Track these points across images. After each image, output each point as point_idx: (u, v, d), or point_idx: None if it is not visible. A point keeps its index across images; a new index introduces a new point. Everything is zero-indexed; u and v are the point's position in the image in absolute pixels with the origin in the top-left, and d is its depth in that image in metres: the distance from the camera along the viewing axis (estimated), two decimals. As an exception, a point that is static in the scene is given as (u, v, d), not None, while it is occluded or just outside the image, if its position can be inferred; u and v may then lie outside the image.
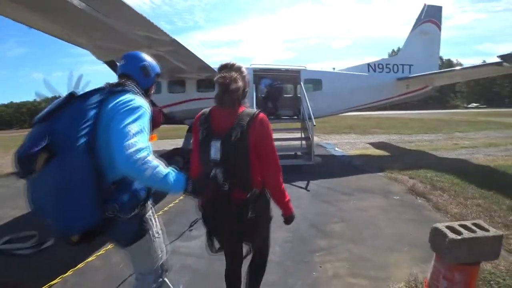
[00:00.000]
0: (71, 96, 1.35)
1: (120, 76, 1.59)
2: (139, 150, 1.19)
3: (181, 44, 5.10)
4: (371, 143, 10.60)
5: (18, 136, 26.71)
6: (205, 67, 6.65)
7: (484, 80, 50.52)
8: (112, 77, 5.98)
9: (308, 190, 4.92)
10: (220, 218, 1.56)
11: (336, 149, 9.53)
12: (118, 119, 1.28)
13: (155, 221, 1.64)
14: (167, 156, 6.81)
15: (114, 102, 1.34)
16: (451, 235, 1.91)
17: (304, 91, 7.24)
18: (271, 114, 7.40)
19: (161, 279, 1.70)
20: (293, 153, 7.30)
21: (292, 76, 8.14)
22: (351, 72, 8.45)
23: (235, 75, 1.52)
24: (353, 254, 2.90)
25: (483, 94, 60.87)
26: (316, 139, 7.21)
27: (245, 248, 1.77)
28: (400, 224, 3.58)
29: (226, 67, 1.57)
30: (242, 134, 1.43)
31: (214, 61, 7.59)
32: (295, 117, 8.02)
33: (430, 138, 11.95)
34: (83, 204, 1.23)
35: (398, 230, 3.41)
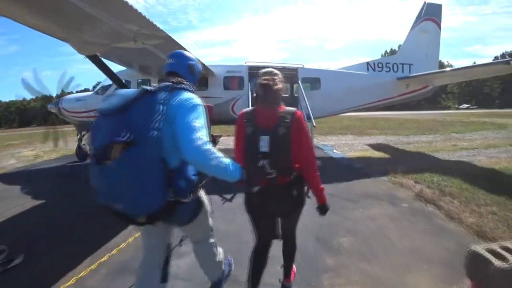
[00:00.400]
0: (144, 91, 1.46)
1: (168, 74, 1.71)
2: (205, 143, 1.39)
3: (172, 38, 4.70)
4: (369, 145, 10.32)
5: (5, 136, 25.74)
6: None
7: (475, 81, 51.24)
8: (98, 73, 5.53)
9: (309, 197, 4.55)
10: (268, 201, 1.79)
11: (335, 151, 9.20)
12: (183, 114, 1.43)
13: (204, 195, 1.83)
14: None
15: (177, 99, 1.48)
16: (496, 262, 1.57)
17: (302, 90, 6.93)
18: None
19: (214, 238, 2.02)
20: None
21: (289, 74, 7.79)
22: (351, 71, 8.15)
23: (276, 78, 1.79)
24: (366, 274, 2.54)
25: (474, 95, 61.84)
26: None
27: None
28: (413, 236, 3.25)
29: (267, 73, 1.82)
30: (287, 129, 1.70)
31: (208, 61, 7.17)
32: None
33: (427, 139, 11.75)
34: (153, 189, 1.38)
35: (412, 243, 3.08)
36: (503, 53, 62.63)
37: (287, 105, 1.85)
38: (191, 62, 1.77)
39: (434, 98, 55.81)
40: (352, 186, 5.15)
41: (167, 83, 1.54)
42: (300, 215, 2.02)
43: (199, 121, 1.45)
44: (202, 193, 1.78)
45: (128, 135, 1.30)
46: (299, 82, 7.08)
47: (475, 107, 53.70)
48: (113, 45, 4.42)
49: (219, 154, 1.42)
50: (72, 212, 4.38)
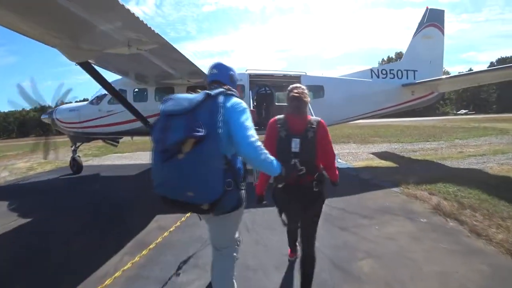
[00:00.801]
0: (208, 95, 1.64)
1: (212, 82, 1.91)
2: (257, 140, 1.66)
3: (168, 44, 4.42)
4: (374, 153, 10.01)
5: (2, 147, 25.26)
6: (196, 71, 5.98)
7: (472, 87, 51.46)
8: (93, 82, 5.23)
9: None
10: (293, 196, 2.08)
11: (339, 160, 8.86)
12: (237, 116, 1.67)
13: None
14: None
15: (230, 103, 1.70)
16: None
17: None
18: (261, 124, 6.44)
19: (237, 248, 1.99)
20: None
21: (292, 82, 7.54)
22: (355, 78, 7.90)
23: (305, 91, 2.16)
24: (395, 308, 2.19)
25: (472, 100, 62.13)
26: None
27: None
28: (441, 258, 2.89)
29: (297, 87, 2.18)
30: (314, 133, 2.04)
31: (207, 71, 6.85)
32: None
33: (432, 146, 11.47)
34: (217, 178, 1.57)
35: (441, 267, 2.73)
36: (498, 59, 63.30)
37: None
38: (231, 72, 1.96)
39: (432, 104, 55.86)
40: (364, 200, 4.81)
41: (221, 89, 1.74)
42: (320, 212, 2.18)
43: (249, 122, 1.69)
44: (243, 191, 1.87)
45: (203, 130, 1.48)
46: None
47: (473, 112, 53.85)
48: (105, 51, 4.13)
49: (266, 151, 1.69)
50: (58, 234, 4.00)
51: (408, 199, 4.76)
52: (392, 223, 3.80)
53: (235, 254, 1.94)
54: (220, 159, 1.57)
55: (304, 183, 2.02)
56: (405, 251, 3.06)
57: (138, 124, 6.72)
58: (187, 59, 5.26)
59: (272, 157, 1.72)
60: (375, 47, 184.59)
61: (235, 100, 1.74)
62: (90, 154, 14.02)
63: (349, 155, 9.91)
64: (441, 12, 8.51)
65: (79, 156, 8.72)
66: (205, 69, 6.40)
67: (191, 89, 7.06)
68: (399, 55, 61.26)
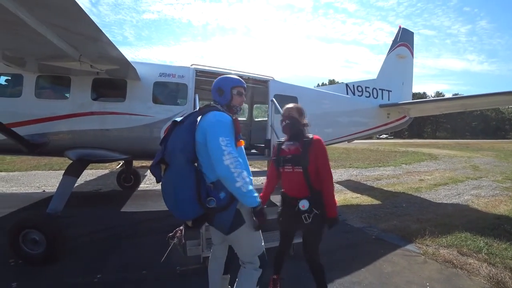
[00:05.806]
0: (173, 123, 1.79)
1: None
2: (232, 160, 1.66)
3: None
4: (339, 183, 8.68)
5: None
6: (114, 57, 3.58)
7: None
8: None
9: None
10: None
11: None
12: (208, 134, 1.70)
13: (251, 217, 1.78)
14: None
15: (204, 120, 1.75)
16: None
17: (273, 112, 4.78)
18: None
19: (261, 270, 1.88)
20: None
21: (255, 87, 5.58)
22: (333, 93, 6.44)
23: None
24: None
25: (389, 127, 70.84)
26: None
27: None
28: None
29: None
30: None
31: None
32: (254, 151, 5.39)
33: (388, 172, 10.91)
34: (187, 199, 1.68)
35: None
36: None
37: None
38: (218, 85, 1.90)
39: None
40: (388, 279, 3.01)
41: (195, 110, 1.87)
42: None
43: (220, 139, 1.63)
44: (246, 212, 1.77)
45: (157, 160, 1.77)
46: (273, 99, 4.83)
47: (392, 137, 61.03)
48: None
49: (240, 171, 1.62)
50: None
51: (445, 269, 3.15)
52: None
53: (257, 271, 1.86)
54: (187, 180, 1.69)
55: None
56: None
57: (-2, 137, 3.83)
58: (99, 31, 2.87)
59: (247, 177, 1.65)
60: (308, 75, 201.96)
61: (211, 115, 1.74)
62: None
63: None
64: (412, 34, 7.95)
65: None
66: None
67: (100, 83, 4.42)
68: (331, 82, 66.62)
